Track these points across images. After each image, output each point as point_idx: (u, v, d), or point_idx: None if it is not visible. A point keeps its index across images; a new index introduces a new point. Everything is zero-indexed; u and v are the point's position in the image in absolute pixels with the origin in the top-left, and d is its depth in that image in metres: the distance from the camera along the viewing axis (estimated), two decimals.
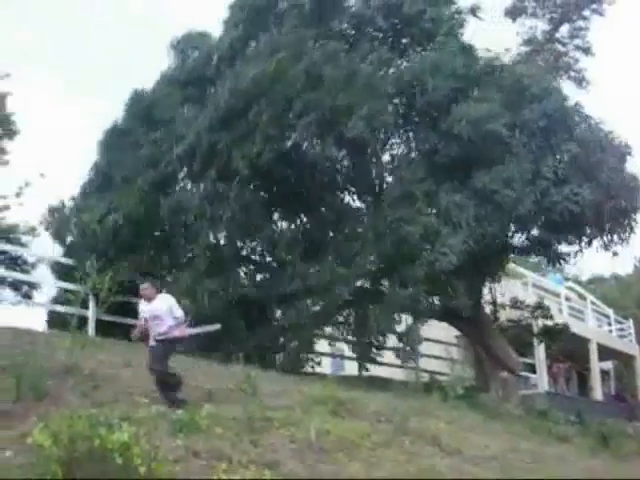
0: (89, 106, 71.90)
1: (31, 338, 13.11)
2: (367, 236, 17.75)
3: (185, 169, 19.17)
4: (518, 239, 21.33)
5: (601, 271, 56.54)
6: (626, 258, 51.08)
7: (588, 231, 20.52)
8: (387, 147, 20.91)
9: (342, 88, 17.15)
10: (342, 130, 17.10)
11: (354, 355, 20.15)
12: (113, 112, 21.73)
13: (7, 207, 24.71)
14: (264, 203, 19.01)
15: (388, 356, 19.94)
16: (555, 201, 18.93)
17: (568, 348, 28.34)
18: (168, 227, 19.02)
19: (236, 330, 16.91)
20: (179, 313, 11.12)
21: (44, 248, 21.57)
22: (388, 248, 17.32)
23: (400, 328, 18.83)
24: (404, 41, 21.03)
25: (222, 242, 19.15)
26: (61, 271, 18.95)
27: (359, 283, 18.69)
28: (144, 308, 11.32)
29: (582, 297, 36.26)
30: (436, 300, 19.10)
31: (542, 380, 28.14)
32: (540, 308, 24.78)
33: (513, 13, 34.09)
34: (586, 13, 32.66)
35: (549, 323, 24.59)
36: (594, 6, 32.59)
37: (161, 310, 10.99)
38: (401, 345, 18.92)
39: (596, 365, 32.95)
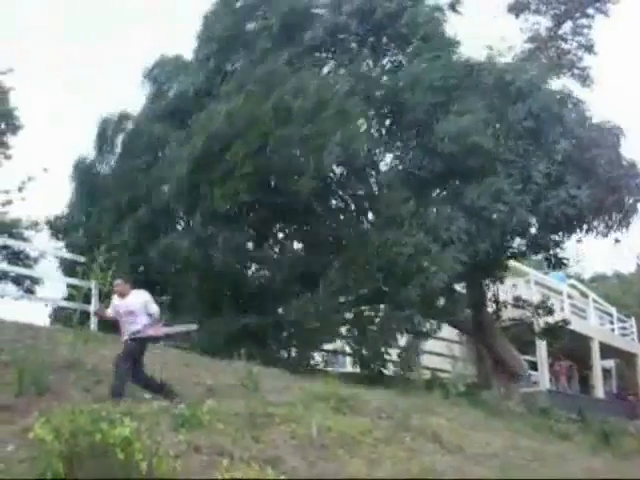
0: (91, 101, 71.75)
1: (33, 333, 13.12)
2: (358, 260, 17.67)
3: (172, 212, 19.03)
4: (516, 243, 21.28)
5: (603, 269, 56.51)
6: (628, 256, 51.12)
7: (587, 226, 20.53)
8: (373, 168, 20.46)
9: (311, 119, 16.91)
10: (318, 162, 16.86)
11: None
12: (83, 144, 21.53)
13: (10, 202, 24.72)
14: (255, 238, 19.04)
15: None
16: (550, 206, 18.86)
17: (570, 346, 28.29)
18: (158, 273, 18.62)
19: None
20: (154, 309, 10.94)
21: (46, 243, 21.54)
22: (379, 272, 17.33)
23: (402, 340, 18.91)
24: (382, 46, 20.85)
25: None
26: (64, 266, 18.97)
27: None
28: (116, 303, 11.15)
29: (584, 295, 36.23)
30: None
31: (543, 378, 28.11)
32: (542, 307, 24.74)
33: (516, 9, 34.02)
34: (590, 11, 32.62)
35: (551, 321, 24.54)
36: (598, 4, 32.55)
37: (135, 306, 10.82)
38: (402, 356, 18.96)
39: (598, 363, 32.91)
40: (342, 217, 20.19)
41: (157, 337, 11.15)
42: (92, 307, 17.20)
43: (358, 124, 17.80)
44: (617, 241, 22.19)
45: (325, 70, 20.95)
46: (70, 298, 16.63)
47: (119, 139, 20.52)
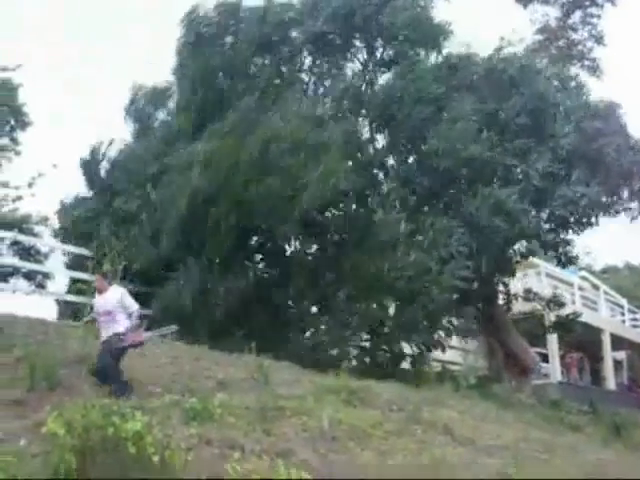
0: (91, 101, 71.76)
1: (44, 328, 13.15)
2: (360, 291, 17.61)
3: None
4: (523, 246, 21.18)
5: (615, 261, 56.30)
6: None
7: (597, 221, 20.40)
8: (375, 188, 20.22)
9: (287, 164, 16.74)
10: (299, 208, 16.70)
11: None
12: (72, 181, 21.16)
13: (20, 197, 24.80)
14: (255, 283, 18.27)
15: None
16: (555, 207, 18.78)
17: (581, 338, 28.23)
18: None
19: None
20: (133, 307, 10.64)
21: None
22: (382, 296, 17.46)
23: None
24: (369, 44, 20.79)
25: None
26: (74, 261, 19.01)
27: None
28: (95, 301, 10.99)
29: (595, 287, 36.12)
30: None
31: (555, 370, 28.06)
32: (554, 301, 24.67)
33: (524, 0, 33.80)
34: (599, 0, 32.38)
35: (562, 314, 24.47)
36: None
37: (112, 303, 10.51)
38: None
39: (609, 355, 32.86)
40: (337, 249, 19.46)
41: (140, 343, 10.76)
42: None
43: (337, 159, 17.20)
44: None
45: (310, 85, 21.04)
46: (79, 293, 16.69)
47: (105, 173, 20.23)
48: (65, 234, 19.95)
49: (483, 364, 24.46)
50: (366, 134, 20.18)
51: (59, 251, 20.60)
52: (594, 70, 29.99)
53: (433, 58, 20.30)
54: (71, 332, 12.83)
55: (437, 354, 22.11)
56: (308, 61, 21.31)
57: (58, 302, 18.57)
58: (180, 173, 17.41)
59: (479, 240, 17.77)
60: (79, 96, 73.99)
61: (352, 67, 21.11)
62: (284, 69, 20.51)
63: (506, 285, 23.20)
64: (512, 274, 22.54)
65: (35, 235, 24.04)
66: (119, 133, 21.00)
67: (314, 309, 18.96)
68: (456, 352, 24.69)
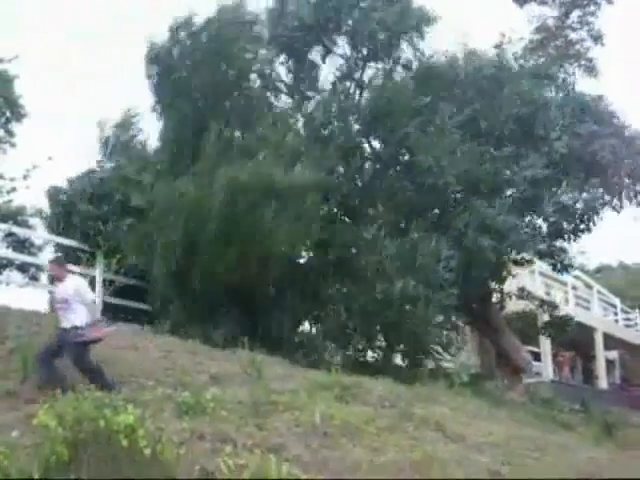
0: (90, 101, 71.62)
1: (38, 320, 13.12)
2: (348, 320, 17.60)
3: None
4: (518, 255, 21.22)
5: (609, 260, 56.46)
6: (634, 248, 51.03)
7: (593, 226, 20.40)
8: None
9: (259, 217, 16.24)
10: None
11: None
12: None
13: (14, 189, 24.73)
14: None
15: None
16: (546, 216, 18.79)
17: (573, 337, 28.32)
18: None
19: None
20: (89, 297, 10.30)
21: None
22: (369, 327, 17.59)
23: None
24: (349, 39, 20.77)
25: None
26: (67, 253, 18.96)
27: None
28: (54, 289, 10.72)
29: (589, 286, 36.22)
30: None
31: (547, 368, 28.14)
32: (547, 303, 24.73)
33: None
34: None
35: (555, 314, 24.53)
36: None
37: (67, 293, 10.14)
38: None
39: (601, 354, 32.97)
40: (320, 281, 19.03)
41: (101, 338, 10.31)
42: (96, 295, 17.28)
43: (312, 206, 17.02)
44: None
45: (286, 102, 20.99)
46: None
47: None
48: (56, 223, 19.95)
49: (476, 362, 24.49)
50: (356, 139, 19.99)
51: (52, 243, 20.56)
52: (591, 70, 29.96)
53: (414, 65, 20.38)
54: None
55: None
56: (282, 71, 21.42)
57: (51, 294, 18.56)
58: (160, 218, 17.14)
59: (468, 257, 17.85)
60: (78, 95, 73.87)
61: (333, 71, 21.12)
62: (254, 95, 19.79)
63: (500, 285, 23.25)
64: (504, 280, 22.56)
65: (30, 227, 23.96)
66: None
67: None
68: None
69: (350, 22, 20.47)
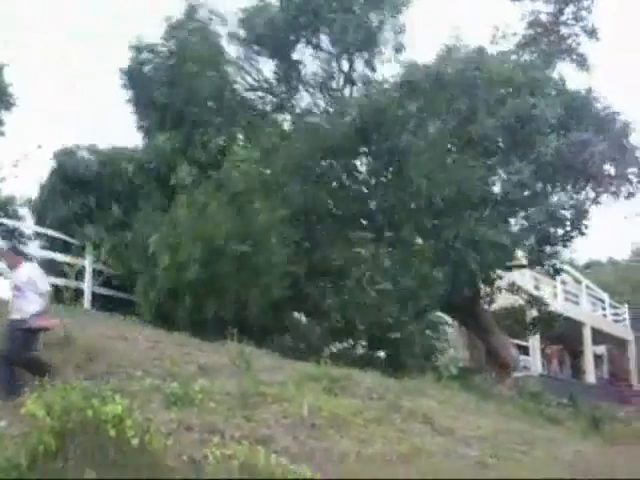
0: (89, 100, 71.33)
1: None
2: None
3: None
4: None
5: (598, 256, 56.60)
6: (624, 244, 51.18)
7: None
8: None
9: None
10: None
11: None
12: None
13: (3, 179, 24.63)
14: None
15: None
16: (532, 225, 18.86)
17: (562, 331, 28.41)
18: None
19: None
20: (43, 287, 9.92)
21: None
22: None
23: None
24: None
25: None
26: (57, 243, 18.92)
27: None
28: (12, 276, 10.32)
29: (577, 281, 36.31)
30: None
31: (535, 363, 28.23)
32: (535, 298, 24.78)
33: None
34: None
35: (543, 310, 24.58)
36: None
37: (21, 280, 9.86)
38: None
39: (589, 349, 33.07)
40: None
41: (48, 328, 10.00)
42: (86, 284, 17.26)
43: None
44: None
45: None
46: (63, 275, 16.64)
47: None
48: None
49: (464, 356, 24.55)
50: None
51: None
52: (582, 64, 29.93)
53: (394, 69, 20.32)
54: (53, 314, 12.78)
55: None
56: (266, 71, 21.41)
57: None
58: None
59: (455, 269, 18.07)
60: (77, 94, 73.53)
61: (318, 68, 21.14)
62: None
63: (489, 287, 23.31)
64: (493, 283, 22.60)
65: (19, 218, 23.89)
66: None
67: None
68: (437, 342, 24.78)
69: (332, 16, 20.37)
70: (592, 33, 31.09)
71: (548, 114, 18.92)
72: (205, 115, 19.10)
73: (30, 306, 9.71)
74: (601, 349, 36.83)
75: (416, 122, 18.77)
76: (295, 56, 21.51)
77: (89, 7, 66.43)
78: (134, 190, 19.07)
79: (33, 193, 21.16)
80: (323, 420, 9.28)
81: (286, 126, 20.96)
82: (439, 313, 20.15)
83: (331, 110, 20.56)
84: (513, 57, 22.86)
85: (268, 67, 21.72)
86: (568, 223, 19.67)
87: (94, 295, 17.40)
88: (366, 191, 20.17)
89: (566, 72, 22.89)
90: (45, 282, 10.10)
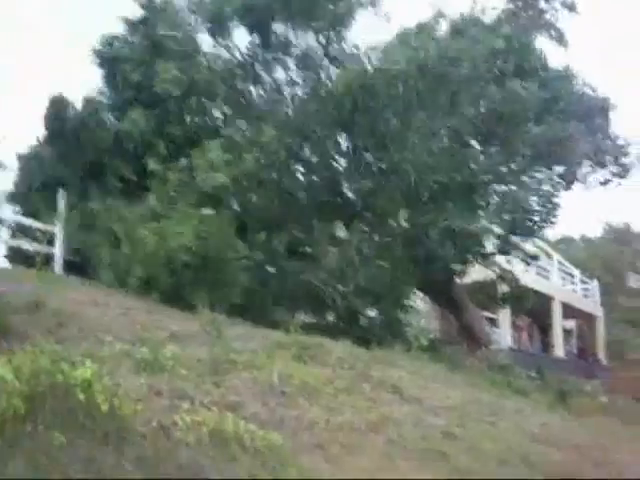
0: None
1: None
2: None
3: None
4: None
5: (570, 233, 57.00)
6: (596, 221, 51.56)
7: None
8: None
9: None
10: None
11: None
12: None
13: None
14: None
15: None
16: (505, 220, 18.95)
17: (532, 305, 28.68)
18: None
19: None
20: None
21: None
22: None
23: None
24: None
25: None
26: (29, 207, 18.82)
27: None
28: None
29: (549, 255, 36.61)
30: None
31: (505, 336, 28.50)
32: (507, 272, 24.95)
33: None
34: None
35: (514, 285, 24.77)
36: None
37: None
38: None
39: (559, 323, 33.42)
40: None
41: None
42: (57, 249, 17.19)
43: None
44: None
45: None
46: (35, 240, 16.57)
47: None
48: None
49: (435, 327, 24.73)
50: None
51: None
52: (560, 40, 29.97)
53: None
54: (24, 279, 12.72)
55: None
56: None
57: (11, 249, 18.38)
58: None
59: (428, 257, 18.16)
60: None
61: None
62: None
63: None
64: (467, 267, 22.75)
65: None
66: None
67: None
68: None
69: None
70: (571, 6, 31.11)
71: (531, 102, 19.00)
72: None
73: None
74: (570, 324, 37.25)
75: (405, 106, 18.70)
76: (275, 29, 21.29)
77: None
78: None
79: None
80: (293, 388, 9.31)
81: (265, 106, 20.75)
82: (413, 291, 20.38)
83: (310, 87, 20.38)
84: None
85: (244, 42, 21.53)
86: (537, 216, 19.82)
87: (68, 261, 17.35)
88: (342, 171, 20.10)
89: (545, 49, 22.75)
90: None
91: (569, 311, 34.67)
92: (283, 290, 17.96)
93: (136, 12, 20.34)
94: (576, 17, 25.85)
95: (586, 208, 47.57)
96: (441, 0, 23.29)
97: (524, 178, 20.16)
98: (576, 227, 68.06)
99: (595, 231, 54.88)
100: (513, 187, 19.80)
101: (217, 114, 19.01)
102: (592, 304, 38.31)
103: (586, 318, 37.74)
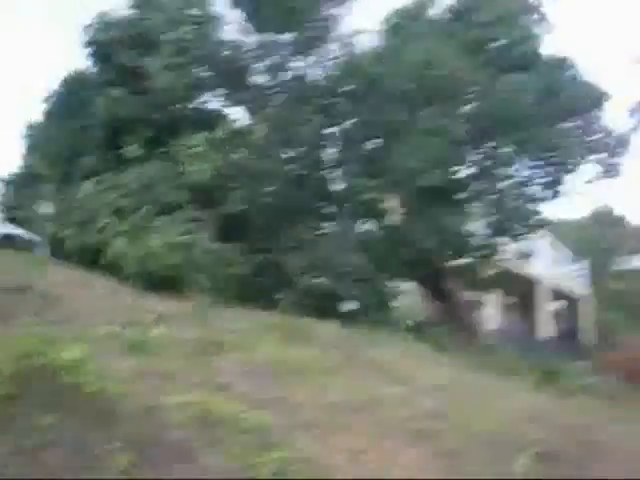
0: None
1: None
2: None
3: None
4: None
5: (559, 214, 57.03)
6: (584, 202, 51.68)
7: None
8: None
9: None
10: None
11: None
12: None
13: None
14: None
15: None
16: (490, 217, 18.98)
17: (519, 286, 28.79)
18: None
19: None
20: None
21: None
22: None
23: None
24: None
25: None
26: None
27: None
28: None
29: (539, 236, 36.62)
30: None
31: (493, 317, 28.57)
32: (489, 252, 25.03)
33: None
34: None
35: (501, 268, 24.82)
36: None
37: None
38: None
39: (546, 304, 33.51)
40: None
41: None
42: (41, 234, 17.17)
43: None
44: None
45: None
46: (19, 223, 16.56)
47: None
48: None
49: (423, 308, 24.76)
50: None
51: None
52: (542, 22, 29.90)
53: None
54: (11, 261, 12.70)
55: None
56: None
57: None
58: None
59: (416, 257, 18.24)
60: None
61: None
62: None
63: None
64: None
65: None
66: None
67: None
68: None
69: None
70: None
71: (529, 99, 18.97)
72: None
73: None
74: (558, 305, 37.35)
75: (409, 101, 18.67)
76: None
77: None
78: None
79: None
80: (281, 368, 9.34)
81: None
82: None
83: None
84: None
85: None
86: (523, 220, 19.87)
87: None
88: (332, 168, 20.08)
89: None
90: None
91: (557, 292, 34.79)
92: (271, 277, 18.06)
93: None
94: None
95: (575, 190, 47.40)
96: None
97: (511, 181, 20.20)
98: (565, 209, 68.06)
99: (584, 213, 54.80)
100: (501, 187, 19.78)
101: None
102: (580, 286, 38.45)
103: (574, 300, 37.88)
